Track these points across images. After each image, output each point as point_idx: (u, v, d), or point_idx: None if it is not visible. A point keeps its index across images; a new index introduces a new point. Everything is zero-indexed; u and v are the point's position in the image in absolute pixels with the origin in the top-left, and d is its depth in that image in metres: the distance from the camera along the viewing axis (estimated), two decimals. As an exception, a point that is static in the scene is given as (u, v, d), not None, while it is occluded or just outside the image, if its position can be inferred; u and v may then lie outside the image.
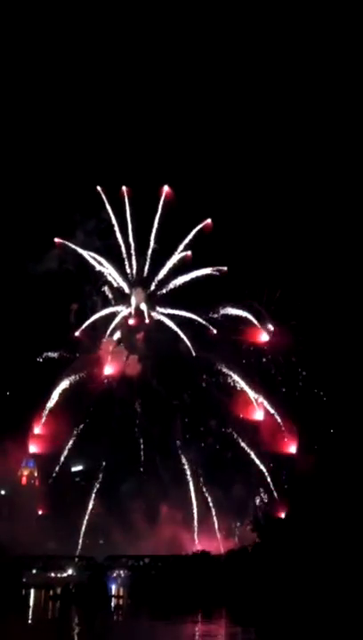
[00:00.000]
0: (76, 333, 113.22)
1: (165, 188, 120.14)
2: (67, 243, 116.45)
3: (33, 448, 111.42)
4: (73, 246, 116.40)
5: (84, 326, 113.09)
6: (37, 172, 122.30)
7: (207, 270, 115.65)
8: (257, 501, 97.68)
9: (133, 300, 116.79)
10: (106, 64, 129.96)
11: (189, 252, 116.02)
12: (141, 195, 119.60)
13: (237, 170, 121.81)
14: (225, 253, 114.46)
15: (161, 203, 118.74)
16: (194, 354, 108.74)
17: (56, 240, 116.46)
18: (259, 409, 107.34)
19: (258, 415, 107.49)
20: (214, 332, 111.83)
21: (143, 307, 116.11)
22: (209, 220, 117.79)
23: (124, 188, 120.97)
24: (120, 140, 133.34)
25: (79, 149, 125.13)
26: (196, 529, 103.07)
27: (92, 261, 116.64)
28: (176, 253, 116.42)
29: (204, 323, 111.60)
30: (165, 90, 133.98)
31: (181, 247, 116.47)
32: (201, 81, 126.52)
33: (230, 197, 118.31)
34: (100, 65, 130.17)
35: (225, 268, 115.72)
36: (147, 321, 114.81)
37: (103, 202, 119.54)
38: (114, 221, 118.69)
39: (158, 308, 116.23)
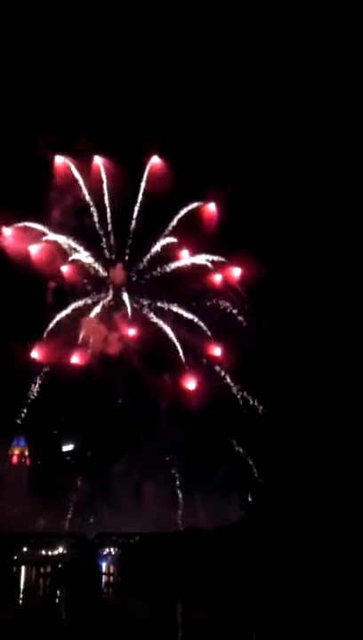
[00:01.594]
0: (35, 355, 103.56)
1: (154, 160, 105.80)
2: (34, 225, 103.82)
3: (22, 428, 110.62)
4: (41, 229, 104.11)
5: (56, 320, 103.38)
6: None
7: (201, 259, 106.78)
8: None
9: (111, 288, 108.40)
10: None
11: (175, 239, 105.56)
12: (123, 165, 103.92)
13: (245, 140, 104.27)
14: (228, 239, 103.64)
15: (145, 177, 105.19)
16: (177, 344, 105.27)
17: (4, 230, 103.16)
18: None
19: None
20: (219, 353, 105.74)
21: (125, 297, 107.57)
22: (213, 205, 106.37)
23: (97, 157, 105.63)
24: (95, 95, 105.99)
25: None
26: (181, 507, 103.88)
27: (65, 247, 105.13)
28: (161, 239, 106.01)
29: (204, 328, 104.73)
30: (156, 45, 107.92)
31: (168, 231, 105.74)
32: (197, 35, 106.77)
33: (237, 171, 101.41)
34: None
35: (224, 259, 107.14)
36: (129, 311, 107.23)
37: (73, 174, 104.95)
38: (88, 198, 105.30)
39: (140, 300, 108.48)
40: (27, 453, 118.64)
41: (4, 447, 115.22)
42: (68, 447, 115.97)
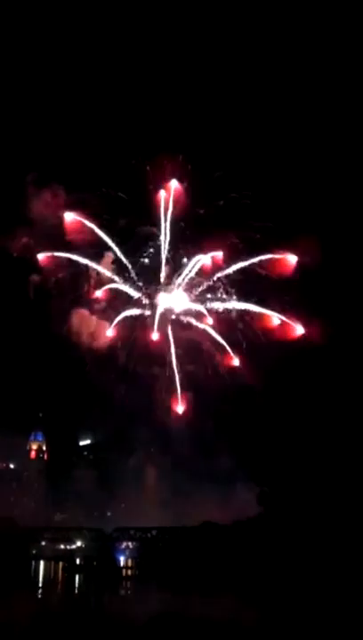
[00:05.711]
0: None
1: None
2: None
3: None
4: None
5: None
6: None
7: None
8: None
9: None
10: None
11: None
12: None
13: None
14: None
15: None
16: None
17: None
18: None
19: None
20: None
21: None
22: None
23: None
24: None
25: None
26: (194, 501, 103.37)
27: None
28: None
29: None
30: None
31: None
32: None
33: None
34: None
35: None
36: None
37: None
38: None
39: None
40: (44, 448, 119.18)
41: (22, 442, 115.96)
42: (84, 442, 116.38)
